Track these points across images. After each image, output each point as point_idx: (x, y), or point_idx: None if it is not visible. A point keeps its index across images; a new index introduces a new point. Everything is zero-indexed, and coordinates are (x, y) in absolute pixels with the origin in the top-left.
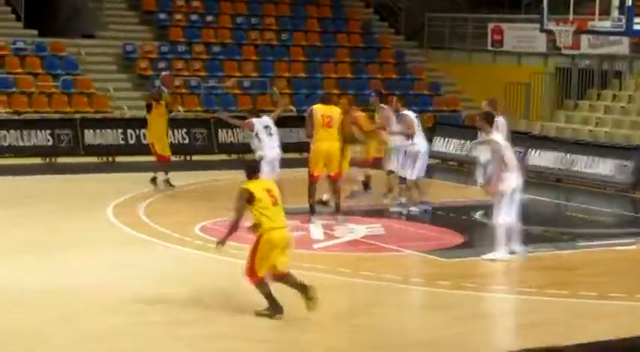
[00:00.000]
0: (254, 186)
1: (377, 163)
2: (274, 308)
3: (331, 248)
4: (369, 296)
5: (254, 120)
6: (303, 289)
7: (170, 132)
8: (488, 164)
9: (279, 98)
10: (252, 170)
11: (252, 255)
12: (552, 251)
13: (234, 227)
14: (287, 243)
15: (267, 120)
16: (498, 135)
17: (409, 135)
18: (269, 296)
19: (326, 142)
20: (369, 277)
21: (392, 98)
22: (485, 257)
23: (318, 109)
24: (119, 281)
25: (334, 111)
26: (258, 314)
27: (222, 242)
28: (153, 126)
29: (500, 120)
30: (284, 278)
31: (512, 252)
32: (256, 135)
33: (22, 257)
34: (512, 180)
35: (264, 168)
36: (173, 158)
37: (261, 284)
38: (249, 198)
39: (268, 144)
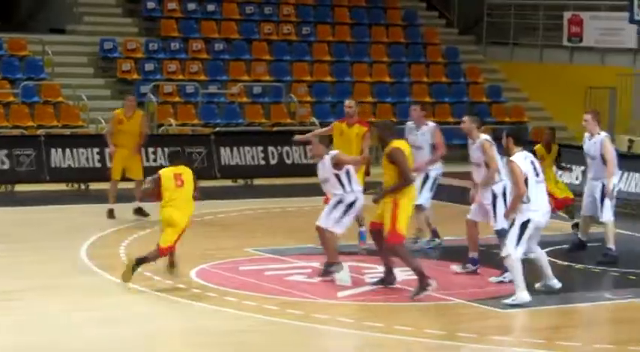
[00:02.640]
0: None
1: None
2: None
3: (360, 296)
4: None
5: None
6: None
7: (154, 152)
8: None
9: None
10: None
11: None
12: (634, 298)
13: None
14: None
15: None
16: (521, 154)
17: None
18: None
19: None
20: (407, 333)
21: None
22: (505, 302)
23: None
24: (97, 341)
25: None
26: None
27: None
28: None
29: (608, 139)
30: None
31: (549, 288)
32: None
33: None
34: (537, 215)
35: None
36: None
37: None
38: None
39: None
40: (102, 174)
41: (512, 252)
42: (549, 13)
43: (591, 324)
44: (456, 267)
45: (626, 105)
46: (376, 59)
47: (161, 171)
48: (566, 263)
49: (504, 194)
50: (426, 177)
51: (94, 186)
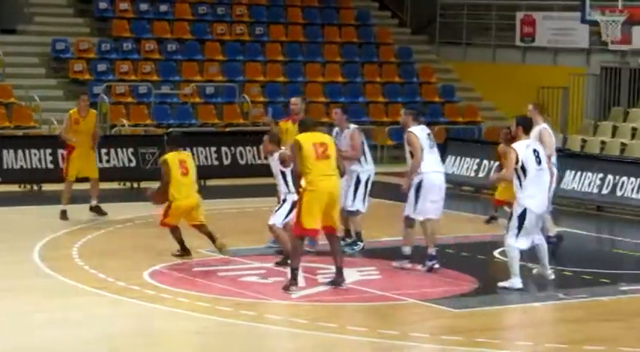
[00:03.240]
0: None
1: None
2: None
3: (313, 297)
4: None
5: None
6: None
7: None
8: None
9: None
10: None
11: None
12: (589, 297)
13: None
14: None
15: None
16: (524, 142)
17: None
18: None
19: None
20: (360, 333)
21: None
22: (501, 284)
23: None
24: (60, 343)
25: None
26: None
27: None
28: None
29: (546, 130)
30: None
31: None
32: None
33: None
34: (533, 203)
35: None
36: (114, 185)
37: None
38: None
39: None
40: (55, 175)
41: (512, 243)
42: (502, 13)
43: (545, 324)
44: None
45: (579, 105)
46: (329, 59)
47: (167, 157)
48: (520, 263)
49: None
50: (358, 181)
51: (47, 187)
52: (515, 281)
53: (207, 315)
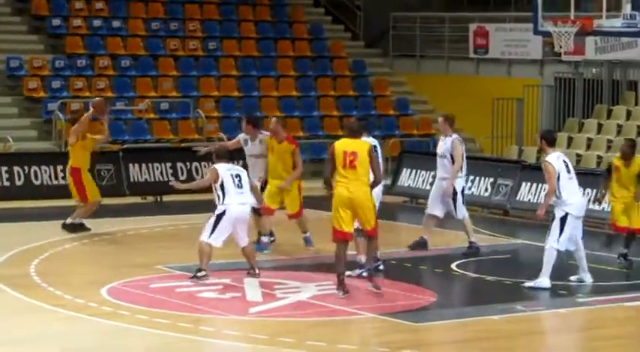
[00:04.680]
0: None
1: None
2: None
3: (272, 312)
4: None
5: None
6: None
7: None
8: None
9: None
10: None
11: None
12: (547, 309)
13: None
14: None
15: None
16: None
17: None
18: None
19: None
20: (319, 348)
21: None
22: (526, 285)
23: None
24: None
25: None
26: None
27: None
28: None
29: (457, 140)
30: None
31: (581, 281)
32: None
33: None
34: (571, 208)
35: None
36: (71, 202)
37: None
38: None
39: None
40: (10, 192)
41: (554, 244)
42: (455, 25)
43: (504, 336)
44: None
45: (533, 116)
46: (283, 73)
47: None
48: (476, 275)
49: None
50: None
51: (2, 205)
52: (544, 281)
53: (166, 332)
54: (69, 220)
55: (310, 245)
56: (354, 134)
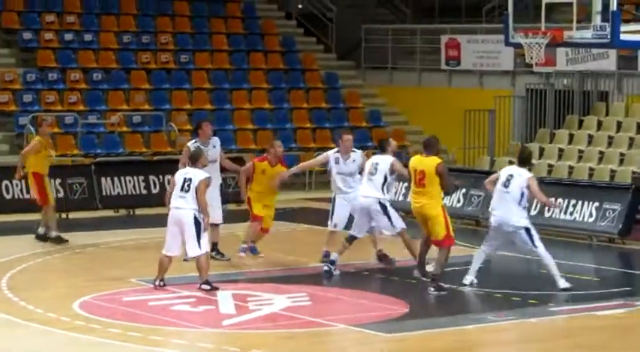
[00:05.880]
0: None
1: None
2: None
3: (245, 324)
4: None
5: None
6: None
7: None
8: None
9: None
10: None
11: None
12: (519, 319)
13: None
14: None
15: None
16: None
17: None
18: None
19: None
20: None
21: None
22: (561, 286)
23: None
24: None
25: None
26: None
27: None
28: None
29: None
30: None
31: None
32: None
33: None
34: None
35: None
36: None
37: None
38: None
39: None
40: None
41: (543, 251)
42: (426, 37)
43: (476, 346)
44: None
45: (506, 127)
46: (255, 86)
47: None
48: (447, 285)
49: None
50: None
51: None
52: (562, 282)
53: (138, 345)
54: (41, 230)
55: (256, 253)
56: (425, 151)
